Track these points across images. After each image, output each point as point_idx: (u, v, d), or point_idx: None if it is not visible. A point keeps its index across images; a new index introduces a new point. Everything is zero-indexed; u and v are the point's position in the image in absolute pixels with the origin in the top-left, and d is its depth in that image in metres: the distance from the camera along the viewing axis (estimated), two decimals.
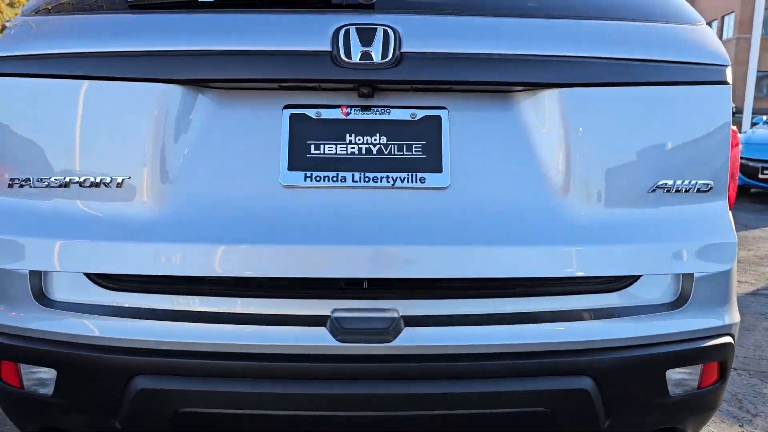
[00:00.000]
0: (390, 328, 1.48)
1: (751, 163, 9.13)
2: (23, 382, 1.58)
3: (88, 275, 1.53)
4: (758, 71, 36.49)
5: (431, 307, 1.53)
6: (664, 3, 1.64)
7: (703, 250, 1.52)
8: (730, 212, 1.61)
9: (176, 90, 1.44)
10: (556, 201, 1.46)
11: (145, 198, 1.45)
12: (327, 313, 1.49)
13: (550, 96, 1.47)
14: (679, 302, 1.61)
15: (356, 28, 1.42)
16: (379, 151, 1.46)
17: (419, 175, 1.45)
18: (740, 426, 2.76)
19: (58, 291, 1.57)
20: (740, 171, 9.26)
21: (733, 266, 1.66)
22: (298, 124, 1.46)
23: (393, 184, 1.44)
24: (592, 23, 1.53)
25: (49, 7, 1.58)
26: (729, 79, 1.53)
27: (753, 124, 11.25)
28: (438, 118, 1.47)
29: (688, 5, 1.69)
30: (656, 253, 1.49)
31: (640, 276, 1.58)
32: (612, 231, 1.46)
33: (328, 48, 1.41)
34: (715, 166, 1.54)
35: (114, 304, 1.55)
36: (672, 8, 1.63)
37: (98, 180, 1.46)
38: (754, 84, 17.10)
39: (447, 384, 1.48)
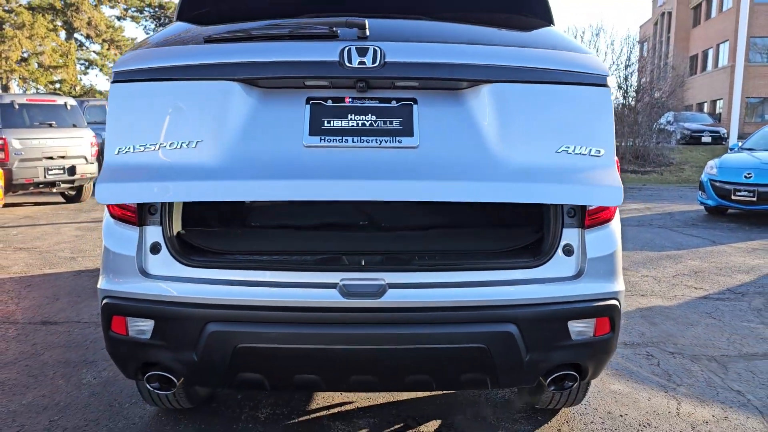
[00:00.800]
0: (379, 291, 2.22)
1: (725, 186, 9.83)
2: (129, 331, 2.32)
3: (174, 256, 2.29)
4: (753, 97, 37.40)
5: (406, 278, 2.28)
6: (566, 41, 2.50)
7: (595, 189, 2.20)
8: (617, 171, 2.33)
9: (237, 86, 2.23)
10: (490, 157, 2.21)
11: (216, 154, 2.19)
12: (338, 281, 2.24)
13: (486, 89, 2.25)
14: (577, 276, 2.36)
15: (355, 47, 2.22)
16: (371, 125, 2.21)
17: (398, 138, 2.22)
18: (665, 392, 3.46)
19: (154, 268, 2.33)
20: (715, 193, 9.99)
21: (618, 250, 2.41)
22: (316, 108, 2.25)
23: (380, 144, 2.21)
24: (516, 48, 2.40)
25: (150, 43, 2.40)
26: (609, 83, 2.33)
27: (730, 149, 11.98)
28: (411, 104, 2.27)
29: (582, 45, 2.50)
30: (561, 189, 2.18)
31: (552, 258, 2.33)
32: (529, 175, 2.19)
33: (336, 59, 2.20)
34: (602, 139, 2.27)
35: (192, 276, 2.30)
36: (571, 44, 2.48)
37: (186, 143, 2.20)
38: (738, 110, 17.89)
39: (418, 327, 2.23)
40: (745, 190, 9.56)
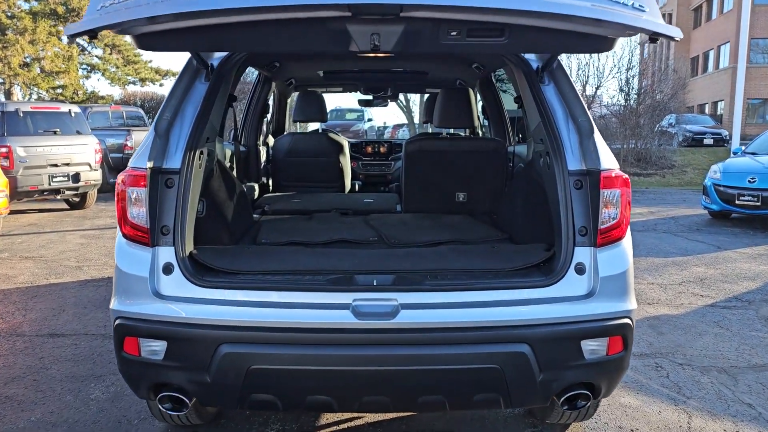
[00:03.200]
0: (392, 312, 2.22)
1: (729, 190, 9.81)
2: (141, 352, 2.31)
3: (186, 276, 2.29)
4: (754, 98, 37.36)
5: (419, 298, 2.27)
6: None
7: None
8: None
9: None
10: None
11: None
12: (350, 301, 2.24)
13: None
14: (589, 295, 2.35)
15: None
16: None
17: None
18: (675, 405, 3.45)
19: (167, 289, 2.32)
20: (719, 197, 9.97)
21: (630, 269, 2.40)
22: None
23: None
24: None
25: None
26: None
27: (733, 153, 11.97)
28: None
29: None
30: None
31: (564, 277, 2.34)
32: None
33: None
34: None
35: (205, 297, 2.30)
36: None
37: None
38: (740, 111, 17.87)
39: (430, 347, 2.22)
40: (749, 195, 9.53)
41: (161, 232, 2.40)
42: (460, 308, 2.28)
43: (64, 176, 10.81)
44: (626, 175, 2.47)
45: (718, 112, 38.51)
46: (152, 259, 2.37)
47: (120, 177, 2.43)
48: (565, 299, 2.35)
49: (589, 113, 2.60)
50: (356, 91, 5.85)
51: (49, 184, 10.60)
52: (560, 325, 2.29)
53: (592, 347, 2.33)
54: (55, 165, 10.67)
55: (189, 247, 2.47)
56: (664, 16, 51.23)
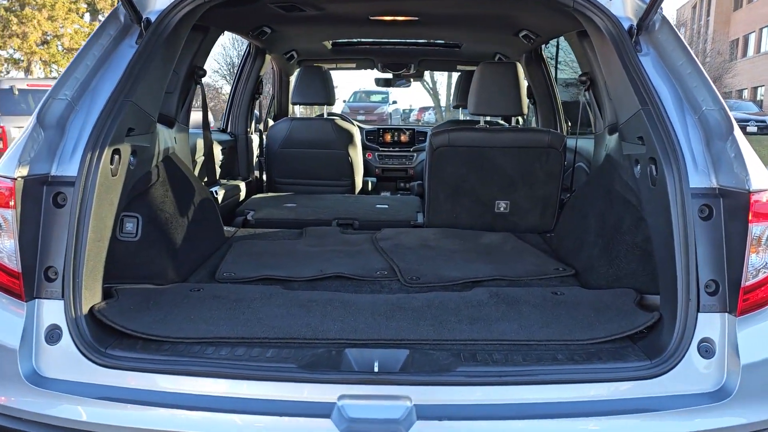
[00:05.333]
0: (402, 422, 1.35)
1: None
2: None
3: (81, 348, 1.46)
4: None
5: (446, 396, 1.39)
6: None
7: None
8: None
9: None
10: None
11: None
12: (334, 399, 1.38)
13: None
14: (720, 394, 1.45)
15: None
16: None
17: None
18: None
19: (51, 369, 1.47)
20: None
21: None
22: None
23: None
24: None
25: None
26: None
27: None
28: None
29: None
30: None
31: (680, 361, 1.46)
32: None
33: None
34: None
35: (108, 384, 1.44)
36: None
37: None
38: None
39: None
40: None
41: (45, 276, 1.53)
42: (516, 419, 1.39)
43: None
44: None
45: (758, 98, 36.77)
46: (28, 321, 1.51)
47: None
48: (677, 401, 1.45)
49: (722, 99, 1.66)
50: (372, 68, 4.90)
51: None
52: None
53: None
54: None
55: (91, 298, 1.61)
56: None
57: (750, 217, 1.48)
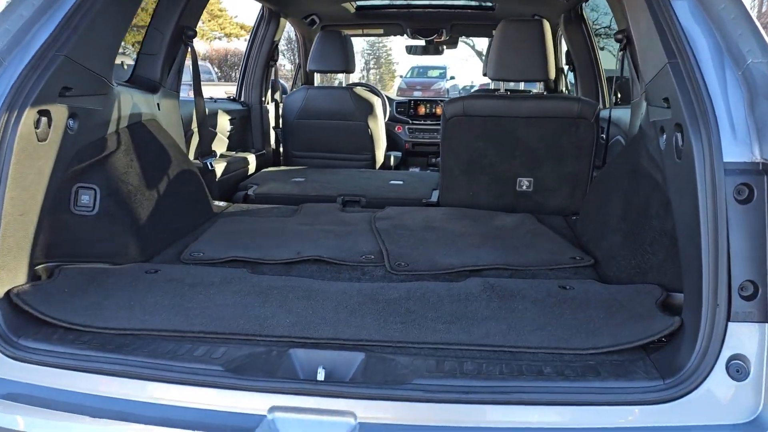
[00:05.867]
0: None
1: None
2: None
3: None
4: None
5: (405, 413, 1.13)
6: None
7: None
8: None
9: None
10: None
11: None
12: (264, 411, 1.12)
13: None
14: (756, 425, 1.12)
15: None
16: None
17: None
18: None
19: None
20: None
21: None
22: None
23: None
24: None
25: None
26: None
27: None
28: None
29: None
30: None
31: (703, 382, 1.15)
32: None
33: None
34: None
35: (21, 380, 1.25)
36: None
37: None
38: None
39: None
40: None
41: None
42: None
43: None
44: None
45: None
46: None
47: None
48: None
49: None
50: (402, 35, 4.57)
51: None
52: None
53: None
54: None
55: (10, 279, 1.42)
56: None
57: None
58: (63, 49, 1.55)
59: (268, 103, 3.97)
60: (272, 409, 1.17)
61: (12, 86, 1.44)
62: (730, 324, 1.17)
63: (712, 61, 1.33)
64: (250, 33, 3.94)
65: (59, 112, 1.61)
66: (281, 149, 3.94)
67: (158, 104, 2.43)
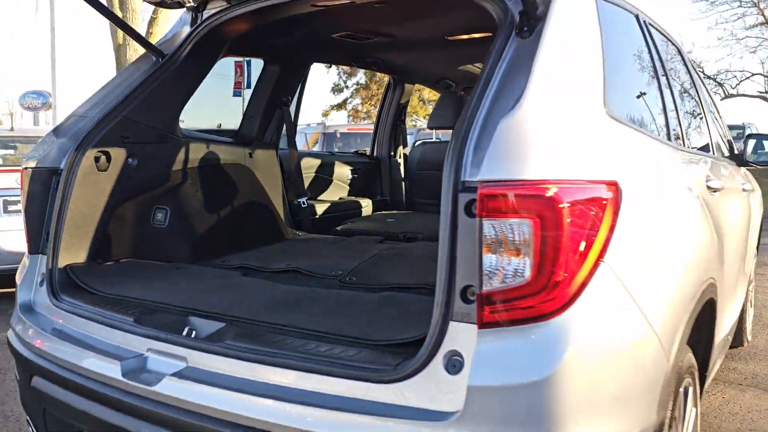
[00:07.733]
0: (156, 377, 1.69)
1: None
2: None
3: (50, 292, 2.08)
4: None
5: (208, 362, 1.69)
6: None
7: None
8: None
9: None
10: None
11: None
12: (143, 351, 1.78)
13: None
14: (453, 417, 1.31)
15: None
16: None
17: None
18: None
19: (37, 305, 2.13)
20: None
21: (555, 381, 1.25)
22: None
23: None
24: None
25: None
26: None
27: None
28: None
29: None
30: None
31: (423, 370, 1.38)
32: None
33: None
34: None
35: (52, 318, 2.05)
36: None
37: None
38: None
39: None
40: None
41: (46, 238, 2.14)
42: (237, 391, 1.54)
43: None
44: (556, 188, 1.30)
45: None
46: (30, 269, 2.16)
47: None
48: (411, 414, 1.34)
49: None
50: None
51: None
52: None
53: None
54: None
55: (70, 258, 2.17)
56: None
57: (478, 210, 1.31)
58: (123, 110, 2.33)
59: (400, 157, 4.78)
60: (149, 349, 1.72)
61: (86, 133, 2.21)
62: (451, 324, 1.32)
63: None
64: (381, 98, 4.78)
65: (118, 152, 2.34)
66: (403, 197, 4.69)
67: (249, 153, 3.13)
